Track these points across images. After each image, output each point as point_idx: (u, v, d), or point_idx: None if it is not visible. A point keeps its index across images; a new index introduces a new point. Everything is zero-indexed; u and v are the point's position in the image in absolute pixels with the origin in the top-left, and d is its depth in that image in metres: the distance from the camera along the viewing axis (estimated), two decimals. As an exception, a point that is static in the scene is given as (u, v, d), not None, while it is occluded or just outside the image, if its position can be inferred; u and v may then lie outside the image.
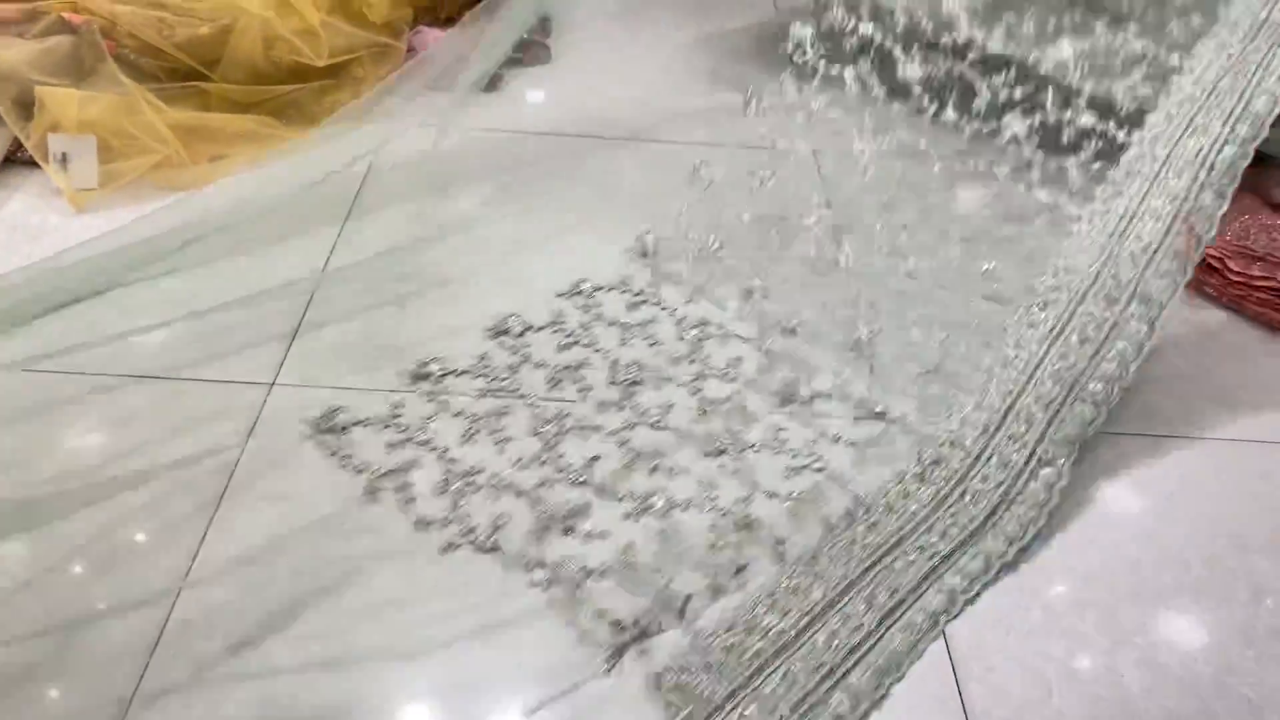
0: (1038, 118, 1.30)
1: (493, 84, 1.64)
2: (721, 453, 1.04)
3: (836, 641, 0.86)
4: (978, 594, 0.92)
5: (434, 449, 1.02)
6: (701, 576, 0.92)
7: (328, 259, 1.24)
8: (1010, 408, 1.04)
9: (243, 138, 1.42)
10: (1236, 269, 1.32)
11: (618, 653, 0.85)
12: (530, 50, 1.74)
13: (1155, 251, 1.06)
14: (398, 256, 1.26)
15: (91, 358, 1.08)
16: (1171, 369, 1.20)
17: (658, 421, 1.07)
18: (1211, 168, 1.06)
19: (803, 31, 1.35)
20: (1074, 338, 1.04)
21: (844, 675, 0.84)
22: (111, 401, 1.04)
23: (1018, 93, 1.31)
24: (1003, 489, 0.99)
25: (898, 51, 1.35)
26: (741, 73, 1.72)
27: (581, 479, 1.00)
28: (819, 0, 1.39)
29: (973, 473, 1.02)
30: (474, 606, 0.88)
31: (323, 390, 1.06)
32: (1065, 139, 1.30)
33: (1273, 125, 1.12)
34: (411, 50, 1.60)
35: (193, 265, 1.22)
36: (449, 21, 1.69)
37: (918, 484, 1.02)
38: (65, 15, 1.40)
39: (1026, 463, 1.00)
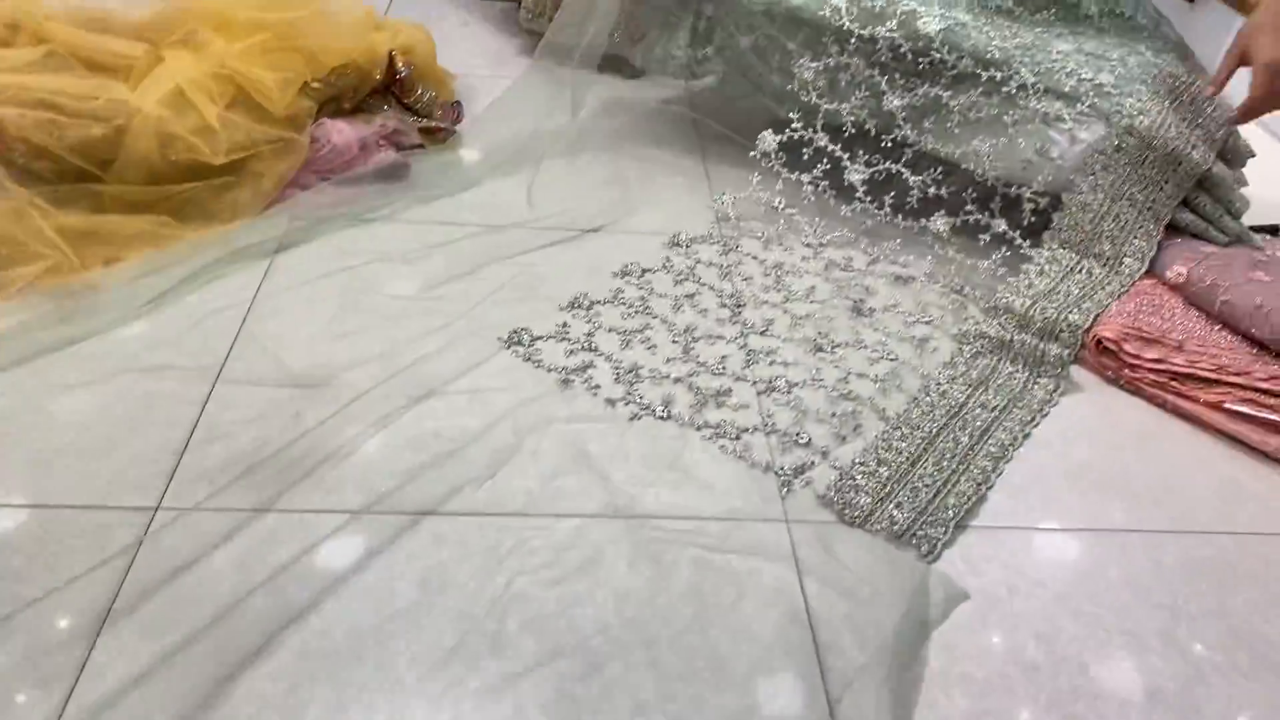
0: (959, 218, 1.55)
1: (398, 172, 1.62)
2: (819, 350, 1.34)
3: (944, 462, 1.17)
4: (1029, 433, 1.24)
5: (601, 354, 1.30)
6: (828, 430, 1.22)
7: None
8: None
9: (139, 239, 1.38)
10: (1132, 352, 1.34)
11: (789, 481, 1.14)
12: (436, 135, 1.73)
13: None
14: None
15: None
16: (1069, 456, 1.23)
17: (765, 331, 1.37)
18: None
19: (770, 140, 1.62)
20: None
21: (953, 485, 1.14)
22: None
23: (944, 190, 1.56)
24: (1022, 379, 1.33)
25: (846, 159, 1.60)
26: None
27: (720, 370, 1.29)
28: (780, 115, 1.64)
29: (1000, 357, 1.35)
30: (664, 454, 1.16)
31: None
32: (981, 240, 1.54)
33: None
34: (315, 142, 1.55)
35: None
36: (355, 112, 1.67)
37: (965, 366, 1.34)
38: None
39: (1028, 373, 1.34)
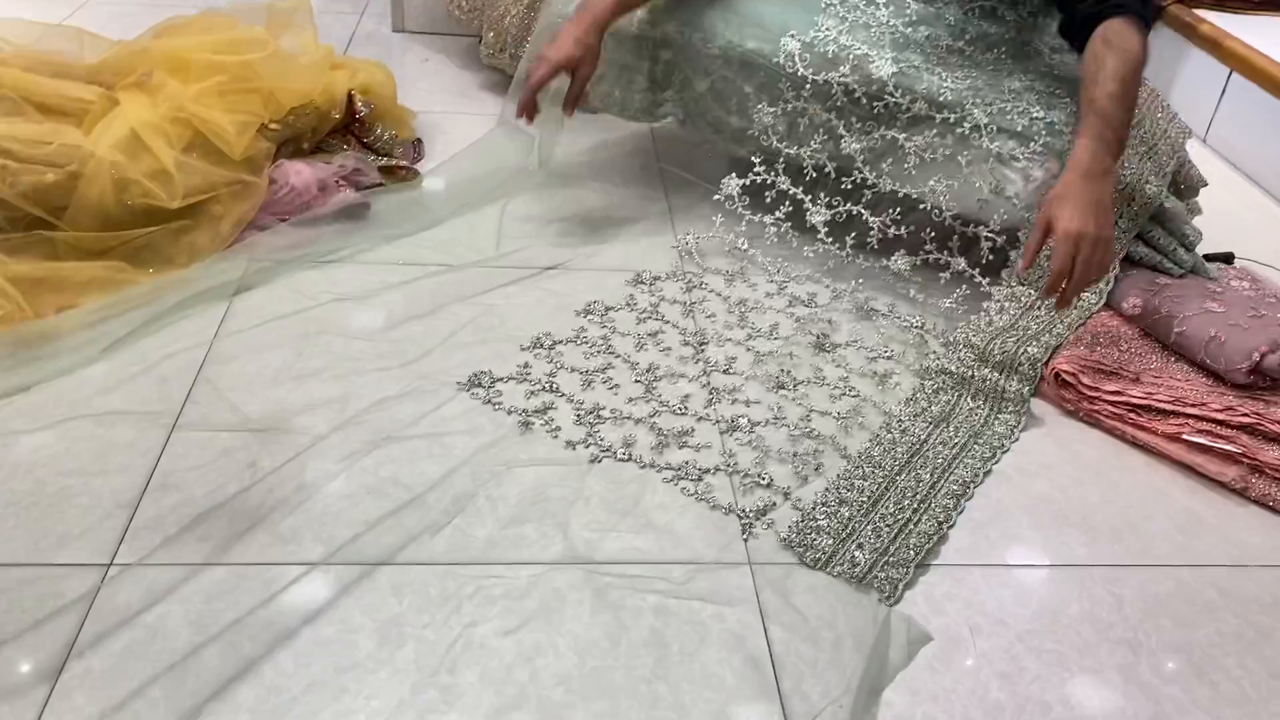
0: (919, 257, 1.56)
1: (358, 212, 1.60)
2: (781, 387, 1.34)
3: (905, 501, 1.17)
4: (990, 470, 1.25)
5: (562, 394, 1.29)
6: (790, 470, 1.21)
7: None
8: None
9: (93, 285, 1.36)
10: (1090, 384, 1.35)
11: (751, 524, 1.13)
12: (398, 175, 1.72)
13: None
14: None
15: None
16: (1029, 491, 1.23)
17: (728, 369, 1.37)
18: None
19: (733, 184, 1.64)
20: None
21: (914, 524, 1.14)
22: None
23: (903, 230, 1.57)
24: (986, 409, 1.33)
25: (808, 201, 1.61)
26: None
27: (682, 410, 1.29)
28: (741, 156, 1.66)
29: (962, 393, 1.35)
30: (625, 498, 1.15)
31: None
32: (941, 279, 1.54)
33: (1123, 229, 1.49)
34: (273, 184, 1.54)
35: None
36: (314, 152, 1.66)
37: (926, 402, 1.34)
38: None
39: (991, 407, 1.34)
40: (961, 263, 1.53)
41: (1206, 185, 1.68)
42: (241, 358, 1.30)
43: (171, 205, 1.42)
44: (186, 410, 1.22)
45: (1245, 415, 1.29)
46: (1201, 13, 2.36)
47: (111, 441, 1.16)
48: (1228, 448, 1.27)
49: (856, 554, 1.10)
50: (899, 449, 1.25)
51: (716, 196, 1.65)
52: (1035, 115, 1.46)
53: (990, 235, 1.50)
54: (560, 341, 1.38)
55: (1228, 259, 1.66)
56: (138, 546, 1.04)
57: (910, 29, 1.56)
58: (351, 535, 1.07)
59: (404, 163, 1.73)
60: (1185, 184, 1.63)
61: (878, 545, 1.11)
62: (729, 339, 1.43)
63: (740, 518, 1.14)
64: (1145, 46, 1.40)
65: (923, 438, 1.27)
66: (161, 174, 1.42)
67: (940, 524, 1.15)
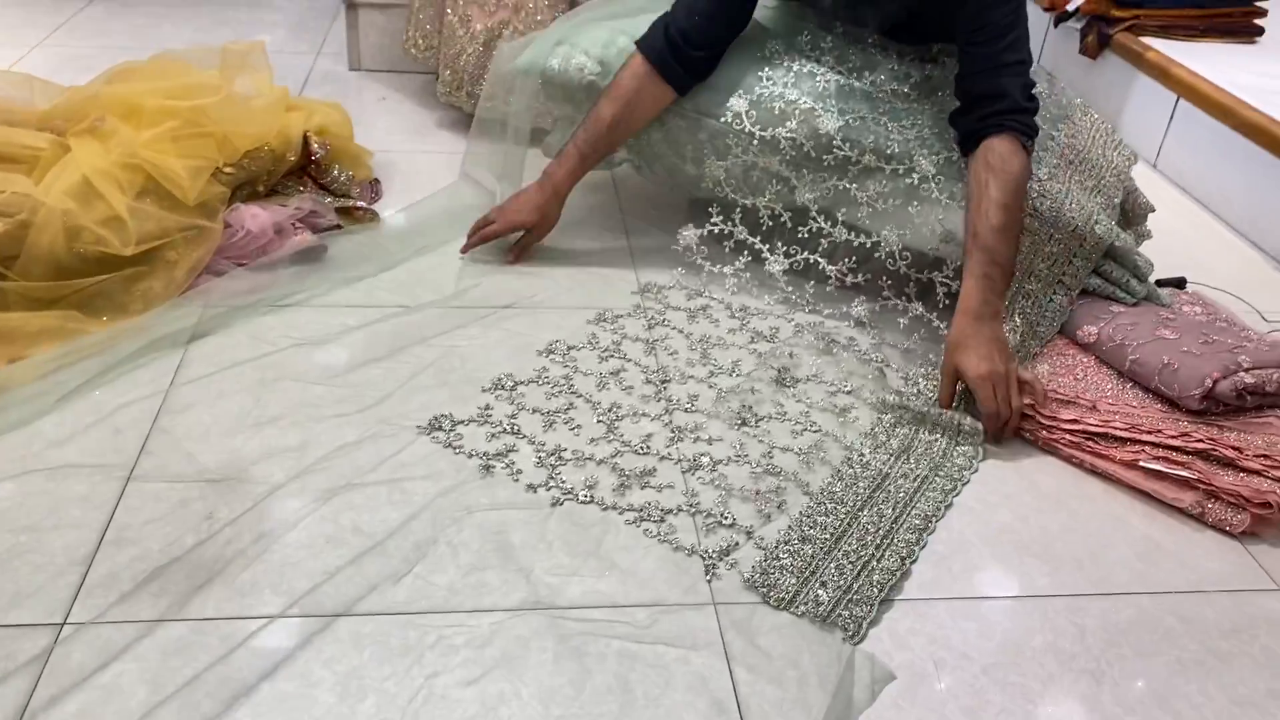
0: (877, 303, 1.58)
1: (315, 254, 1.60)
2: (744, 424, 1.35)
3: (868, 538, 1.17)
4: (950, 503, 1.26)
5: (523, 436, 1.28)
6: (752, 508, 1.21)
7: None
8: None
9: (44, 335, 1.33)
10: (1047, 413, 1.36)
11: (714, 565, 1.13)
12: (355, 216, 1.72)
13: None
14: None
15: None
16: (990, 522, 1.24)
17: (690, 407, 1.37)
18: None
19: (691, 235, 1.66)
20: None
21: (878, 561, 1.15)
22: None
23: (860, 278, 1.59)
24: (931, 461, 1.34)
25: (765, 250, 1.63)
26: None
27: (644, 449, 1.28)
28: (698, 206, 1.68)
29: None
30: (587, 541, 1.14)
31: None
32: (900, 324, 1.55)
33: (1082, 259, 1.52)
34: (228, 228, 1.53)
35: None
36: (270, 194, 1.65)
37: (886, 435, 1.35)
38: None
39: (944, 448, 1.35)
40: (919, 307, 1.54)
41: (1154, 211, 1.71)
42: (198, 406, 1.29)
43: (125, 252, 1.41)
44: (141, 461, 1.20)
45: (1200, 441, 1.31)
46: (1149, 40, 2.42)
47: (64, 496, 1.14)
48: (1183, 473, 1.29)
49: (820, 593, 1.10)
50: (860, 484, 1.26)
51: (674, 246, 1.67)
52: None
53: (945, 280, 1.51)
54: (522, 382, 1.38)
55: (1180, 284, 1.69)
56: (92, 604, 1.02)
57: (854, 77, 1.58)
58: (311, 586, 1.05)
59: (361, 203, 1.72)
60: (1133, 211, 1.66)
61: (841, 583, 1.11)
62: (691, 376, 1.43)
63: (704, 558, 1.14)
64: (1027, 165, 1.43)
65: (885, 471, 1.28)
66: (114, 221, 1.41)
67: (903, 559, 1.15)
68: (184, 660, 0.97)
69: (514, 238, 1.66)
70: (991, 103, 1.43)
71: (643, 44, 1.57)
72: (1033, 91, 1.46)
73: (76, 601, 1.02)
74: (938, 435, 1.35)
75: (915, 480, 1.27)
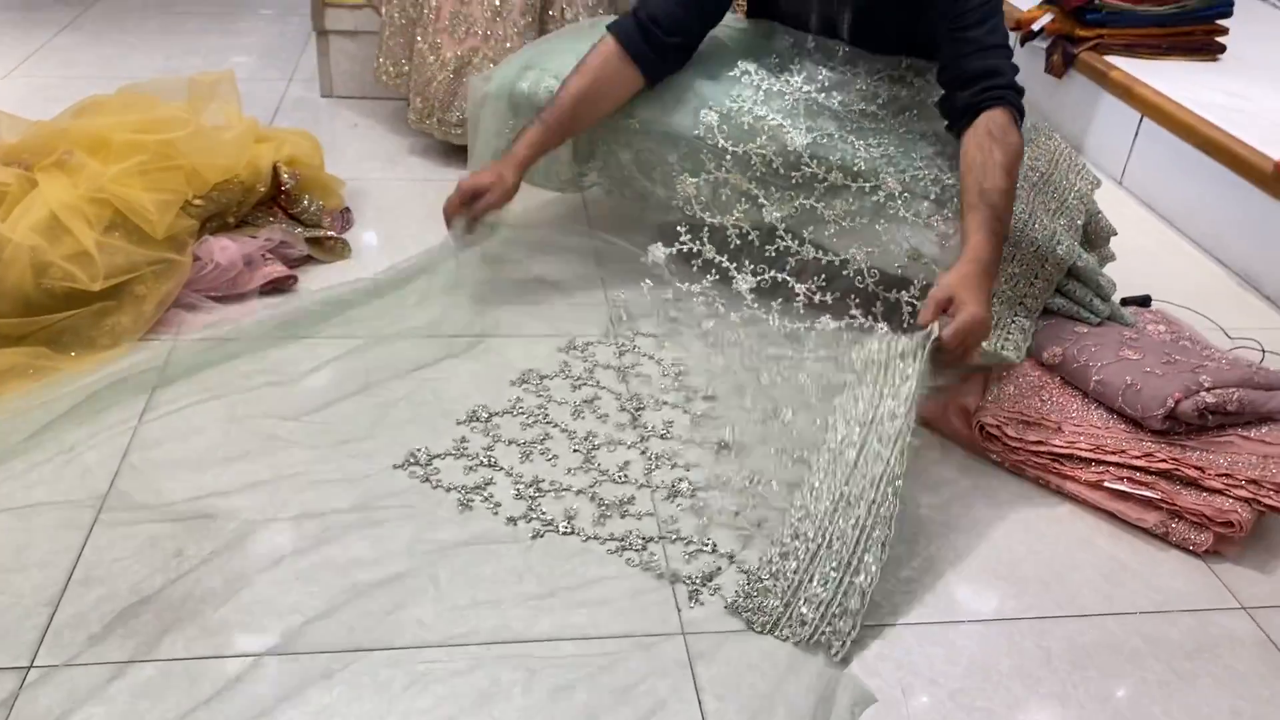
0: (844, 321, 1.57)
1: (286, 286, 1.60)
2: (723, 448, 1.36)
3: (845, 542, 1.15)
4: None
5: (501, 468, 1.29)
6: (732, 532, 1.22)
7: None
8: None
9: (11, 374, 1.32)
10: (1014, 435, 1.37)
11: (697, 590, 1.14)
12: (326, 246, 1.71)
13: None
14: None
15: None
16: (957, 545, 1.24)
17: (665, 434, 1.38)
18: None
19: (659, 252, 1.67)
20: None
21: (854, 575, 1.13)
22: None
23: (828, 297, 1.59)
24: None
25: (733, 269, 1.64)
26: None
27: (623, 477, 1.29)
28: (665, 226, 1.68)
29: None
30: (566, 573, 1.15)
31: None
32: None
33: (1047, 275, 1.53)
34: (198, 261, 1.52)
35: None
36: (240, 226, 1.64)
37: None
38: None
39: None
40: (885, 327, 1.56)
41: (1116, 235, 1.74)
42: (167, 443, 1.29)
43: (93, 287, 1.40)
44: (110, 499, 1.19)
45: (1164, 461, 1.33)
46: (1113, 59, 2.45)
47: (32, 535, 1.14)
48: (1147, 494, 1.31)
49: (804, 610, 1.10)
50: (836, 477, 1.24)
51: (644, 259, 1.67)
52: (948, 182, 1.50)
53: (910, 300, 1.53)
54: (496, 413, 1.39)
55: (1144, 302, 1.71)
56: (60, 647, 1.01)
57: (823, 95, 1.61)
58: (283, 625, 1.05)
59: (332, 233, 1.72)
60: (1096, 235, 1.69)
61: (824, 597, 1.12)
62: (665, 402, 1.44)
63: (686, 584, 1.14)
64: (1021, 142, 1.45)
65: (848, 476, 1.26)
66: (82, 256, 1.40)
67: (881, 549, 1.13)
68: (153, 702, 0.97)
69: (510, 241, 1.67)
70: (989, 78, 1.45)
71: (613, 25, 1.59)
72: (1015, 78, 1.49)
73: (43, 644, 1.02)
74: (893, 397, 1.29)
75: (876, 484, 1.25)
